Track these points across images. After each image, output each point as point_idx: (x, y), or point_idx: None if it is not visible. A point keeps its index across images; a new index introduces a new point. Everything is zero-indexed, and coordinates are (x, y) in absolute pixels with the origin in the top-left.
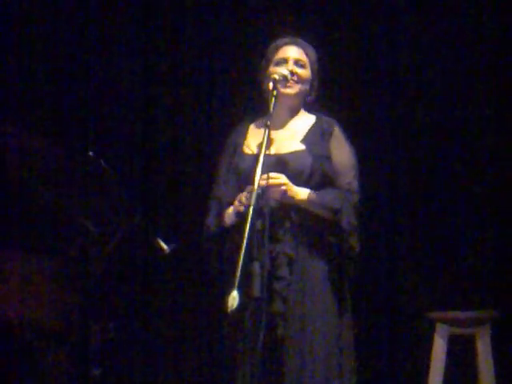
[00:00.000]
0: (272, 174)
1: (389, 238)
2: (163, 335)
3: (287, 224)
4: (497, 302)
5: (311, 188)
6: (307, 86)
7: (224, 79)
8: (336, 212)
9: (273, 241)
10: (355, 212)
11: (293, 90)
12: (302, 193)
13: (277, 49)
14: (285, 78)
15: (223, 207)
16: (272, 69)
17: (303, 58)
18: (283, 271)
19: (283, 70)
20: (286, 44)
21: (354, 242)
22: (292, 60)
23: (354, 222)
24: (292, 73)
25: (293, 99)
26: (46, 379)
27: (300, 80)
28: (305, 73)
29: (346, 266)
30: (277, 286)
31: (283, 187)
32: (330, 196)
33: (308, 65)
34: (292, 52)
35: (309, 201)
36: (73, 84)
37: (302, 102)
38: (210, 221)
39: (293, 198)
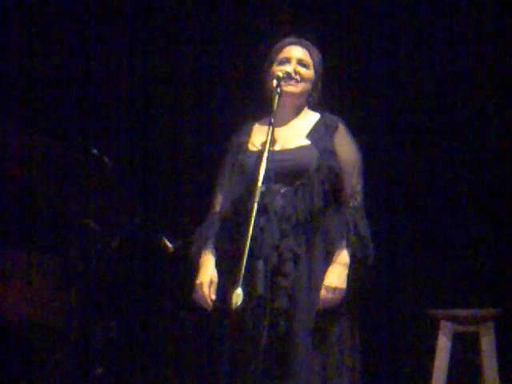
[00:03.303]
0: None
1: (389, 237)
2: (164, 334)
3: (294, 220)
4: (500, 299)
5: (317, 184)
6: (310, 86)
7: (224, 79)
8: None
9: (280, 236)
10: (363, 224)
11: (296, 88)
12: (342, 281)
13: (281, 48)
14: (288, 76)
15: (217, 216)
16: (275, 68)
17: (307, 58)
18: (289, 267)
19: (287, 68)
20: (290, 44)
21: (370, 251)
22: (295, 59)
23: (365, 234)
24: (295, 71)
25: (296, 98)
26: (46, 379)
27: (303, 79)
28: (308, 72)
29: (360, 271)
30: (282, 282)
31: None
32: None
33: (311, 65)
34: (295, 52)
35: (345, 274)
36: (73, 83)
37: (305, 101)
38: (199, 231)
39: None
